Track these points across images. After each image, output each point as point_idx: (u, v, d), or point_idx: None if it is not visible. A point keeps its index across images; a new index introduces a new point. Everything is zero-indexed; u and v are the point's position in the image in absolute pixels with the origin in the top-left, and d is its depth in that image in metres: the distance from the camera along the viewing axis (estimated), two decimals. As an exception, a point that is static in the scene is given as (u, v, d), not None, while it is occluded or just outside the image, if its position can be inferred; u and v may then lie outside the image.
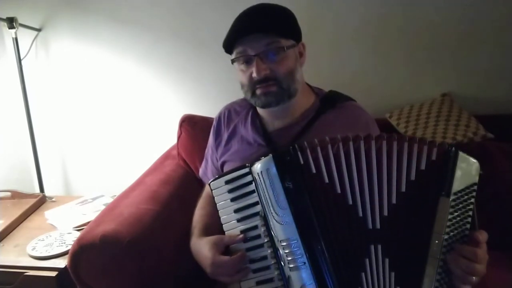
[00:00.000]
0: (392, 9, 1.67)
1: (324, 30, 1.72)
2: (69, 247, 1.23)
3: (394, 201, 0.84)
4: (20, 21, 1.86)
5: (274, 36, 0.98)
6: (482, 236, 0.82)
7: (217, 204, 0.98)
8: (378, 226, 0.85)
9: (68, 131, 2.14)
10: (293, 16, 1.06)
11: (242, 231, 0.94)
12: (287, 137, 1.07)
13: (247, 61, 1.01)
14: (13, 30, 1.84)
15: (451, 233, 0.82)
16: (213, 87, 1.90)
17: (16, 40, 1.86)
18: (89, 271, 1.12)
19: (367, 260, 0.85)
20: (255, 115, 1.15)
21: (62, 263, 1.40)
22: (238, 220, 0.94)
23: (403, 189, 0.84)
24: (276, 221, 0.86)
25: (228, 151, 1.16)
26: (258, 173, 0.88)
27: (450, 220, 0.82)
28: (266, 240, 0.90)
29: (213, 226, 1.04)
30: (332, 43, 1.74)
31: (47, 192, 2.00)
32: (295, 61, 1.04)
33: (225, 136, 1.19)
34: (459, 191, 0.82)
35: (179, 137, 1.59)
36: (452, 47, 1.68)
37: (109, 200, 1.80)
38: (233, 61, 1.05)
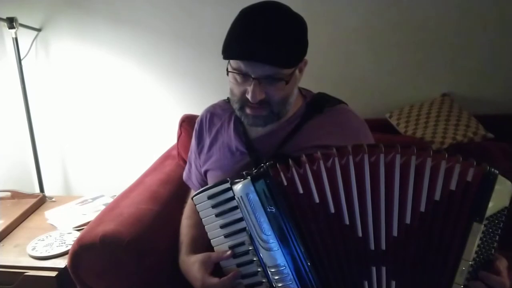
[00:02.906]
0: (392, 9, 1.67)
1: (324, 30, 1.72)
2: (69, 247, 1.24)
3: (408, 221, 0.78)
4: (20, 21, 1.86)
5: (279, 68, 0.90)
6: (503, 265, 0.79)
7: (203, 219, 0.94)
8: (383, 247, 0.79)
9: (68, 131, 2.13)
10: (306, 33, 0.94)
11: (230, 247, 0.90)
12: (271, 145, 1.01)
13: (244, 75, 0.92)
14: (13, 30, 1.84)
15: (477, 259, 0.77)
16: (213, 87, 1.90)
17: (16, 40, 1.86)
18: (89, 271, 1.12)
19: (365, 283, 0.80)
20: (238, 119, 1.08)
21: (62, 263, 1.39)
22: (225, 236, 0.90)
23: (422, 208, 0.78)
24: (263, 247, 0.82)
25: (210, 159, 1.11)
26: (238, 197, 0.84)
27: (478, 246, 0.77)
28: (255, 259, 0.86)
29: (201, 237, 1.01)
30: (332, 44, 1.74)
31: (47, 192, 2.00)
32: (293, 86, 0.97)
33: (207, 142, 1.13)
34: (491, 216, 0.77)
35: (179, 137, 1.59)
36: (452, 47, 1.68)
37: (109, 200, 1.80)
38: (228, 71, 0.96)
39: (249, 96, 0.92)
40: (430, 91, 1.72)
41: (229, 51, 0.93)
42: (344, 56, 1.76)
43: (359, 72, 1.77)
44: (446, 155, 0.78)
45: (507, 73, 1.67)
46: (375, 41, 1.73)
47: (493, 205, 0.76)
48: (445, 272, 0.78)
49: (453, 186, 0.77)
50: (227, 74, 0.96)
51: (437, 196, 0.78)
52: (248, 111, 0.96)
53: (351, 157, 0.80)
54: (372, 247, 0.80)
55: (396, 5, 1.66)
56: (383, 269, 0.80)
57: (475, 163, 0.78)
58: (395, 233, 0.79)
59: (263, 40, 0.87)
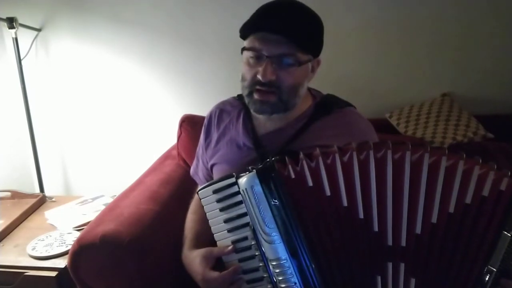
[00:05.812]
0: (392, 9, 1.67)
1: (324, 30, 1.72)
2: (69, 247, 1.24)
3: (434, 220, 0.77)
4: (20, 21, 1.86)
5: (295, 48, 0.92)
6: None
7: (207, 214, 0.94)
8: (403, 243, 0.79)
9: (68, 131, 2.14)
10: (322, 29, 1.00)
11: (233, 242, 0.91)
12: (278, 142, 1.02)
13: (258, 57, 0.94)
14: (13, 30, 1.84)
15: (500, 268, 0.78)
16: (213, 87, 1.90)
17: (16, 40, 1.86)
18: (89, 271, 1.12)
19: (378, 278, 0.80)
20: (247, 116, 1.10)
21: (62, 263, 1.39)
22: (229, 231, 0.91)
23: (451, 209, 0.77)
24: (265, 240, 0.83)
25: (217, 153, 1.12)
26: (243, 190, 0.85)
27: (503, 255, 0.77)
28: (257, 254, 0.87)
29: (205, 233, 1.01)
30: (332, 43, 1.74)
31: (47, 192, 2.00)
32: (304, 76, 0.99)
33: (215, 136, 1.15)
34: None
35: (179, 137, 1.59)
36: (452, 47, 1.68)
37: (109, 200, 1.80)
38: (243, 49, 0.99)
39: (259, 75, 0.93)
40: (430, 91, 1.72)
41: (246, 27, 0.97)
42: (344, 56, 1.76)
43: (359, 72, 1.77)
44: (479, 160, 0.78)
45: (507, 73, 1.67)
46: (375, 41, 1.73)
47: None
48: (470, 276, 0.78)
49: (485, 192, 0.77)
50: (242, 53, 0.99)
51: (468, 200, 0.77)
52: (256, 96, 0.97)
53: (371, 152, 0.79)
54: (390, 242, 0.79)
55: (396, 5, 1.66)
56: (402, 265, 0.79)
57: (509, 174, 0.78)
58: (418, 231, 0.78)
59: (287, 15, 0.92)
